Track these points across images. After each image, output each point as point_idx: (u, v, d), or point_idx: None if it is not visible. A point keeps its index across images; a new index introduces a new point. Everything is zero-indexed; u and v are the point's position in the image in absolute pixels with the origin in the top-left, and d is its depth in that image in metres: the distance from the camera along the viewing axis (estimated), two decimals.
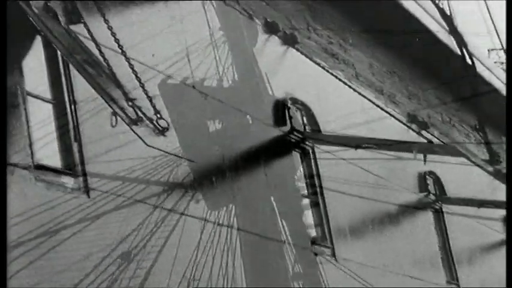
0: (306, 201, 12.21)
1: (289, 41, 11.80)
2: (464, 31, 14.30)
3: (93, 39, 7.41)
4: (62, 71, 8.11)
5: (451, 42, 14.47)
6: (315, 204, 12.15)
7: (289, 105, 11.72)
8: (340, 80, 12.77)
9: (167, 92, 8.71)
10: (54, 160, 7.97)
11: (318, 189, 12.20)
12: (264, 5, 11.47)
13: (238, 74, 10.47)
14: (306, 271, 9.85)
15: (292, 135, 11.79)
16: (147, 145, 7.95)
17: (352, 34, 12.95)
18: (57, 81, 8.04)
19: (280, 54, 11.76)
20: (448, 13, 13.86)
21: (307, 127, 12.04)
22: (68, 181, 7.83)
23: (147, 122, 8.00)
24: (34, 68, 7.89)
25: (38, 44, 8.12)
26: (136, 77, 7.84)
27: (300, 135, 11.88)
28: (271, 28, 11.52)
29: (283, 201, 10.56)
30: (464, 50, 14.28)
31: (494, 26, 14.66)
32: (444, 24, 14.21)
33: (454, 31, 14.27)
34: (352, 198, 12.69)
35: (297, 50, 11.97)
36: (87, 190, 7.86)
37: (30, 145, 7.52)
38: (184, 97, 9.24)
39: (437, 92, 14.80)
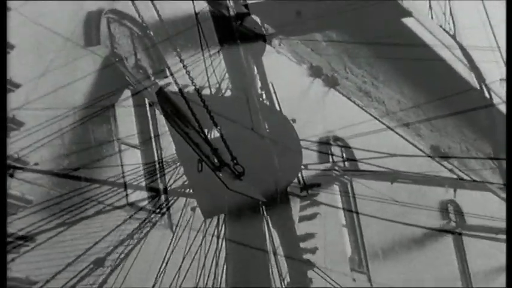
0: (345, 230, 13.12)
1: (331, 83, 12.67)
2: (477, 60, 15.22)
3: (182, 94, 8.16)
4: (150, 121, 8.93)
5: (469, 76, 15.38)
6: (352, 233, 13.05)
7: (331, 142, 12.62)
8: (373, 117, 13.66)
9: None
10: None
11: (356, 220, 13.10)
12: (309, 50, 12.34)
13: None
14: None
15: (334, 170, 12.67)
16: (229, 189, 8.73)
17: (382, 72, 13.85)
18: (145, 130, 8.86)
19: (322, 95, 12.65)
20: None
21: (346, 162, 12.94)
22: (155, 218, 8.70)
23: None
24: (124, 118, 8.70)
25: (127, 96, 8.94)
26: (216, 125, 8.66)
27: (340, 170, 12.77)
28: (316, 72, 12.39)
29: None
30: (483, 85, 15.21)
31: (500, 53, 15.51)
32: (463, 59, 15.16)
33: (473, 67, 15.19)
34: (381, 225, 13.55)
35: (337, 90, 12.85)
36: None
37: (125, 188, 8.35)
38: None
39: (456, 123, 15.69)
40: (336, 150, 13.06)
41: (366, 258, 13.05)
